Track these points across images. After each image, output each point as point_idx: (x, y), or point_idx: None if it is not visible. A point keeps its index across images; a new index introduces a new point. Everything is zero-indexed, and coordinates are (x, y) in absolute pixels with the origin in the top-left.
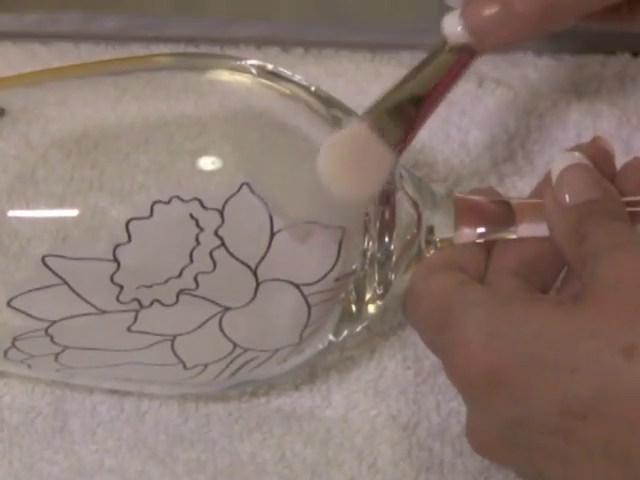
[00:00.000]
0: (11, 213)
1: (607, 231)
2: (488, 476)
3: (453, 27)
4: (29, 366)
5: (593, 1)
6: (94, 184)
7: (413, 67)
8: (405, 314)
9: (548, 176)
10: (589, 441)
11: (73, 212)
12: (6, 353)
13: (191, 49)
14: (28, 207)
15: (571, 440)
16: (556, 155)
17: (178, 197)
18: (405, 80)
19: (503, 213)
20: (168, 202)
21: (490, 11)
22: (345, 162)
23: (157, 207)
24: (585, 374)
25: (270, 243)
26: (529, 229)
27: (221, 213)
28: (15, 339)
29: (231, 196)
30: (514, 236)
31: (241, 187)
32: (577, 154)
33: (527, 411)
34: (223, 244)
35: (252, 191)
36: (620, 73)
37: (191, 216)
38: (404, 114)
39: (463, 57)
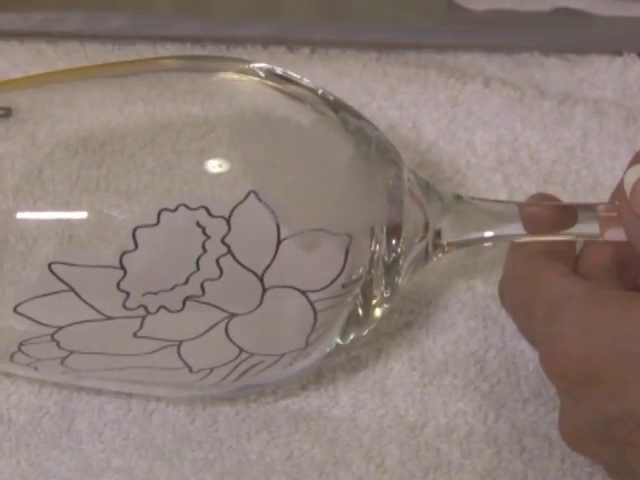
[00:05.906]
0: (18, 212)
1: None
2: (496, 476)
3: None
4: (35, 368)
5: None
6: (100, 184)
7: None
8: (502, 299)
9: (621, 188)
10: None
11: (79, 211)
12: (12, 357)
13: (197, 49)
14: (34, 206)
15: None
16: (627, 170)
17: (185, 205)
18: None
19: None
20: (175, 210)
21: None
22: None
23: (164, 215)
24: None
25: (277, 251)
26: (615, 234)
27: (228, 221)
28: (21, 344)
29: (238, 204)
30: (601, 239)
31: (248, 195)
32: None
33: (623, 407)
34: (230, 251)
35: (259, 199)
36: (626, 73)
37: (198, 224)
38: None
39: None
